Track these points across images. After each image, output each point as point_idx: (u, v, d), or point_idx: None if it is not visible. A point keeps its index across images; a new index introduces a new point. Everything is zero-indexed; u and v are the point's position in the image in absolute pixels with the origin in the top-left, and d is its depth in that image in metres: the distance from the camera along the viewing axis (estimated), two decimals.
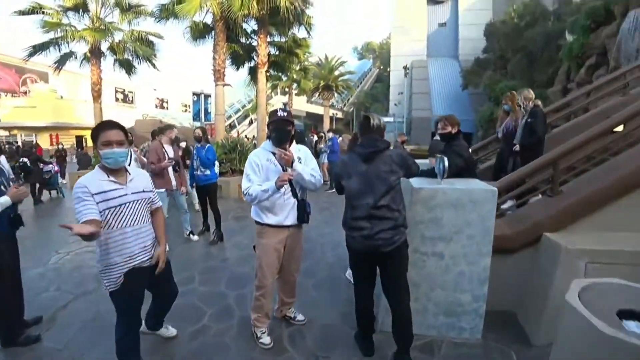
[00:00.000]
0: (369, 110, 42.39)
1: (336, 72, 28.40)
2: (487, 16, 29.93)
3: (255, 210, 2.55)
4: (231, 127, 32.41)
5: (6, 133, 27.55)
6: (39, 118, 27.71)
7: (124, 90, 38.21)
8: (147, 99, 40.00)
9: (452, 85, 29.93)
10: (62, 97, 30.96)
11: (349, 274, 3.68)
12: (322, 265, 4.17)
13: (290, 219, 2.47)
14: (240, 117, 35.55)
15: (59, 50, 12.57)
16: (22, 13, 11.70)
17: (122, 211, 1.91)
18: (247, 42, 12.86)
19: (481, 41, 26.51)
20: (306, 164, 2.52)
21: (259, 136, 12.33)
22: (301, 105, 35.99)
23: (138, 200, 2.01)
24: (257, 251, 2.56)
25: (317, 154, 9.56)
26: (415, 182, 2.48)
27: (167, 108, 40.94)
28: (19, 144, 24.70)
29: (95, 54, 12.88)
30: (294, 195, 2.46)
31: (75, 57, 13.32)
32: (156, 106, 40.30)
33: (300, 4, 10.14)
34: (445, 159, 2.34)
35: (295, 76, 24.01)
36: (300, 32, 12.68)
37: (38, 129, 28.20)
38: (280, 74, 20.09)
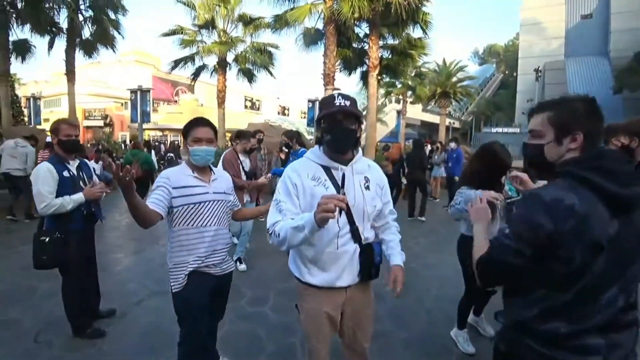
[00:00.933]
0: (490, 119, 37.79)
1: (454, 78, 25.98)
2: None
3: (293, 257, 1.62)
4: None
5: (160, 133, 33.88)
6: (184, 122, 33.00)
7: (252, 98, 43.98)
8: (271, 106, 45.00)
9: (599, 89, 24.28)
10: (202, 104, 36.40)
11: (455, 333, 2.67)
12: (419, 312, 3.18)
13: (347, 277, 1.51)
14: None
15: (193, 64, 14.44)
16: (166, 35, 13.86)
17: (201, 209, 1.84)
18: (359, 46, 12.47)
19: None
20: (377, 194, 1.58)
21: (367, 143, 11.74)
22: (416, 113, 34.26)
23: (219, 201, 1.92)
24: (300, 315, 1.64)
25: (428, 167, 8.45)
26: None
27: (288, 115, 44.76)
28: (167, 142, 29.86)
29: (221, 65, 14.35)
30: (355, 237, 1.50)
31: (207, 69, 15.13)
32: (278, 113, 44.48)
33: (415, 0, 9.14)
34: None
35: (410, 82, 22.83)
36: (415, 32, 11.66)
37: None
38: (393, 79, 19.43)
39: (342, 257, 1.49)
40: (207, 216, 1.85)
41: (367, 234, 1.55)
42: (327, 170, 1.49)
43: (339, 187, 1.46)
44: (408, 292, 3.49)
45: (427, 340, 2.72)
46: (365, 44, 11.91)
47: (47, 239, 2.40)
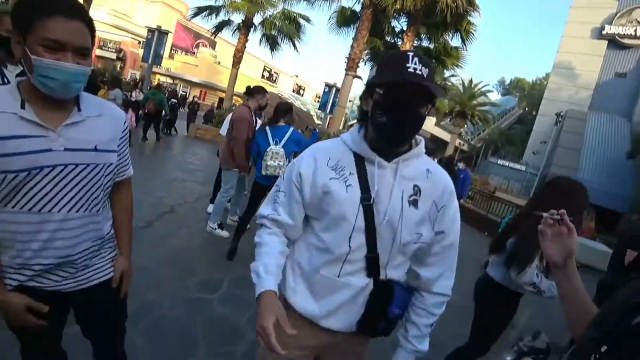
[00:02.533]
0: (499, 150, 37.37)
1: (475, 101, 25.37)
2: None
3: (292, 251, 1.10)
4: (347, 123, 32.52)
5: (170, 81, 33.00)
6: (198, 75, 33.12)
7: (271, 70, 43.17)
8: (288, 83, 44.21)
9: (613, 149, 23.85)
10: (219, 62, 35.46)
11: None
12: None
13: (341, 319, 1.02)
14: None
15: (217, 17, 13.73)
16: None
17: (36, 180, 0.96)
18: (392, 40, 11.82)
19: None
20: (428, 218, 0.98)
21: None
22: (428, 126, 33.65)
23: (79, 166, 1.01)
24: (258, 346, 1.09)
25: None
26: None
27: (303, 95, 44.05)
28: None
29: (246, 24, 13.66)
30: (371, 268, 0.99)
31: (230, 26, 14.42)
32: (293, 90, 43.83)
33: (464, 4, 8.50)
34: None
35: None
36: (453, 41, 11.03)
37: (194, 84, 33.29)
38: None
39: (342, 291, 0.99)
40: (52, 194, 0.97)
41: (392, 272, 1.01)
42: (360, 161, 0.97)
43: (368, 189, 0.95)
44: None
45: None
46: (399, 39, 11.27)
47: None
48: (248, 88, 3.85)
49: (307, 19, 13.72)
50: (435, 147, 35.98)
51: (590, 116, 27.98)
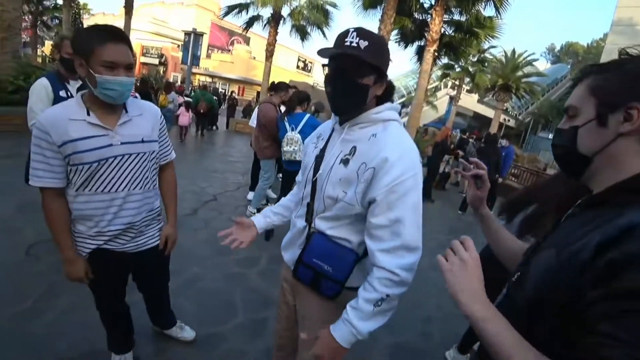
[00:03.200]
0: (549, 124, 34.64)
1: (520, 72, 23.61)
2: None
3: None
4: None
5: (209, 80, 34.42)
6: (234, 72, 34.14)
7: (305, 59, 43.43)
8: (323, 72, 43.92)
9: None
10: (254, 57, 36.28)
11: (453, 356, 2.30)
12: (414, 320, 2.84)
13: (288, 255, 1.24)
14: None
15: (247, 13, 14.12)
16: None
17: (102, 169, 1.35)
18: (421, 17, 11.41)
19: None
20: (354, 178, 1.00)
21: (409, 124, 10.96)
22: (470, 103, 32.00)
23: (132, 155, 1.37)
24: None
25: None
26: None
27: None
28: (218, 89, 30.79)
29: (275, 17, 13.88)
30: (308, 214, 1.14)
31: (261, 21, 14.72)
32: None
33: None
34: None
35: (470, 68, 21.05)
36: (486, 11, 10.41)
37: (232, 80, 34.45)
38: (453, 62, 17.88)
39: (292, 230, 1.23)
40: (112, 178, 1.31)
41: (319, 222, 1.10)
42: (332, 130, 1.16)
43: (324, 149, 1.13)
44: (405, 294, 3.18)
45: (416, 353, 2.39)
46: (428, 15, 10.85)
47: None
48: (272, 84, 4.17)
49: (334, 5, 13.64)
50: (479, 124, 34.20)
51: None
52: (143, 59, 31.65)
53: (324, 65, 1.05)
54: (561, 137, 0.71)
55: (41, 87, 2.22)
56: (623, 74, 0.63)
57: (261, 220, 1.35)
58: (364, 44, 0.93)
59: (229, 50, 39.30)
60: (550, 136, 29.76)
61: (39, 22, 27.04)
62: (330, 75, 1.02)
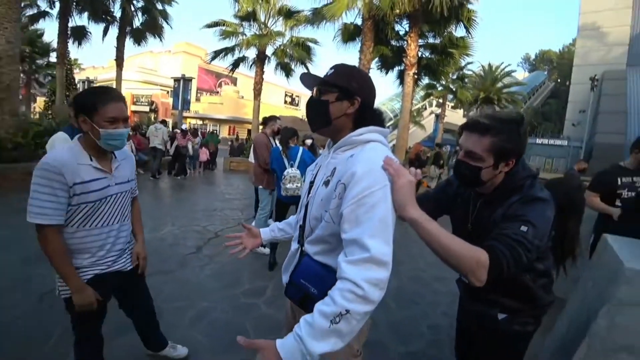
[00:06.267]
0: (536, 129, 35.53)
1: (500, 84, 24.61)
2: None
3: None
4: None
5: (200, 122, 35.12)
6: (224, 112, 34.89)
7: (292, 94, 44.76)
8: None
9: None
10: (242, 97, 37.32)
11: None
12: (422, 328, 2.91)
13: (285, 276, 1.24)
14: None
15: (233, 55, 14.74)
16: (209, 26, 14.23)
17: (102, 206, 1.53)
18: (398, 44, 12.06)
19: None
20: (331, 195, 1.04)
21: (397, 145, 11.32)
22: (456, 118, 32.89)
23: (122, 193, 1.63)
24: None
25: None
26: (625, 251, 1.13)
27: None
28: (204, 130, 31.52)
29: (260, 57, 14.52)
30: (300, 235, 1.20)
31: (246, 62, 15.39)
32: None
33: None
34: None
35: (451, 85, 21.94)
36: (458, 32, 11.07)
37: (222, 121, 35.14)
38: (433, 81, 18.70)
39: (289, 252, 1.27)
40: (109, 213, 1.54)
41: (307, 245, 1.15)
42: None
43: (316, 174, 1.24)
44: (414, 304, 3.25)
45: None
46: (404, 41, 11.49)
47: None
48: (264, 119, 4.57)
49: (315, 42, 14.33)
50: None
51: (629, 73, 25.96)
52: (134, 107, 32.36)
53: None
54: (469, 170, 1.19)
55: (62, 139, 2.43)
56: (514, 141, 1.14)
57: (267, 232, 1.48)
58: (330, 72, 1.11)
59: (218, 92, 40.46)
60: (538, 140, 30.45)
61: (32, 79, 27.91)
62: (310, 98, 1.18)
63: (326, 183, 1.08)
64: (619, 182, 2.64)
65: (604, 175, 2.77)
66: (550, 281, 1.32)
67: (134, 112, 31.46)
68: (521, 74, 47.23)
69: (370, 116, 1.12)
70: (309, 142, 6.76)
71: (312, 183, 1.21)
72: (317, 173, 1.20)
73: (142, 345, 2.08)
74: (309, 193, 1.19)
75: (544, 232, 1.08)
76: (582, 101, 28.71)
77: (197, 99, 36.63)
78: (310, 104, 1.15)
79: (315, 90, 1.13)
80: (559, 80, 46.38)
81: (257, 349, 0.89)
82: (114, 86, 16.94)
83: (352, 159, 1.02)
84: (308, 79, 1.15)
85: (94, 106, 1.39)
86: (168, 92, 33.15)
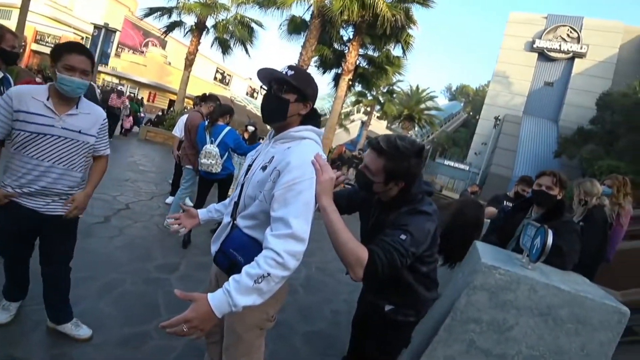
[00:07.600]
0: (446, 152, 40.08)
1: (422, 105, 27.22)
2: (603, 85, 26.59)
3: None
4: None
5: (117, 81, 31.29)
6: (146, 76, 31.63)
7: (224, 72, 42.13)
8: (241, 85, 43.39)
9: (543, 150, 27.08)
10: (169, 63, 34.29)
11: None
12: (325, 311, 3.25)
13: (215, 245, 1.36)
14: None
15: (169, 17, 13.57)
16: None
17: (39, 141, 1.68)
18: (340, 48, 12.55)
19: (590, 111, 23.48)
20: (266, 179, 1.21)
21: (322, 143, 11.72)
22: (380, 128, 35.19)
23: (67, 139, 1.74)
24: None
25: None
26: (485, 252, 1.46)
27: (256, 98, 43.47)
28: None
29: (199, 27, 13.66)
30: (233, 210, 1.34)
31: (183, 27, 14.29)
32: (247, 93, 43.09)
33: (402, 19, 9.42)
34: (550, 234, 1.27)
35: (380, 97, 23.48)
36: (395, 50, 12.03)
37: (143, 85, 31.85)
38: (365, 90, 19.86)
39: (222, 225, 1.39)
40: (47, 151, 1.69)
41: (239, 219, 1.30)
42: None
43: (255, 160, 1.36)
44: (319, 291, 3.58)
45: (326, 339, 2.75)
46: (346, 47, 12.02)
47: None
48: (204, 95, 4.26)
49: (260, 24, 13.99)
50: None
51: (524, 120, 31.21)
52: (35, 47, 27.47)
53: (261, 87, 1.32)
54: (364, 180, 1.36)
55: None
56: (404, 168, 1.28)
57: (204, 213, 1.58)
58: (290, 72, 1.23)
59: (142, 52, 36.36)
60: (446, 162, 34.54)
61: None
62: (265, 91, 1.29)
63: (264, 168, 1.24)
64: (504, 204, 3.59)
65: (497, 198, 3.88)
66: (432, 281, 1.52)
67: (35, 52, 26.71)
68: (442, 101, 52.86)
69: (312, 117, 1.31)
70: (251, 128, 6.75)
71: (250, 166, 1.36)
72: (256, 158, 1.35)
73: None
74: (246, 174, 1.34)
75: (421, 241, 1.25)
76: (486, 135, 33.45)
77: (117, 55, 32.46)
78: (271, 98, 1.26)
79: (275, 86, 1.24)
80: (471, 113, 52.72)
81: (191, 300, 1.03)
82: (16, 15, 14.17)
83: (289, 151, 1.20)
84: (266, 72, 1.25)
85: (60, 54, 1.64)
86: (82, 38, 28.75)
